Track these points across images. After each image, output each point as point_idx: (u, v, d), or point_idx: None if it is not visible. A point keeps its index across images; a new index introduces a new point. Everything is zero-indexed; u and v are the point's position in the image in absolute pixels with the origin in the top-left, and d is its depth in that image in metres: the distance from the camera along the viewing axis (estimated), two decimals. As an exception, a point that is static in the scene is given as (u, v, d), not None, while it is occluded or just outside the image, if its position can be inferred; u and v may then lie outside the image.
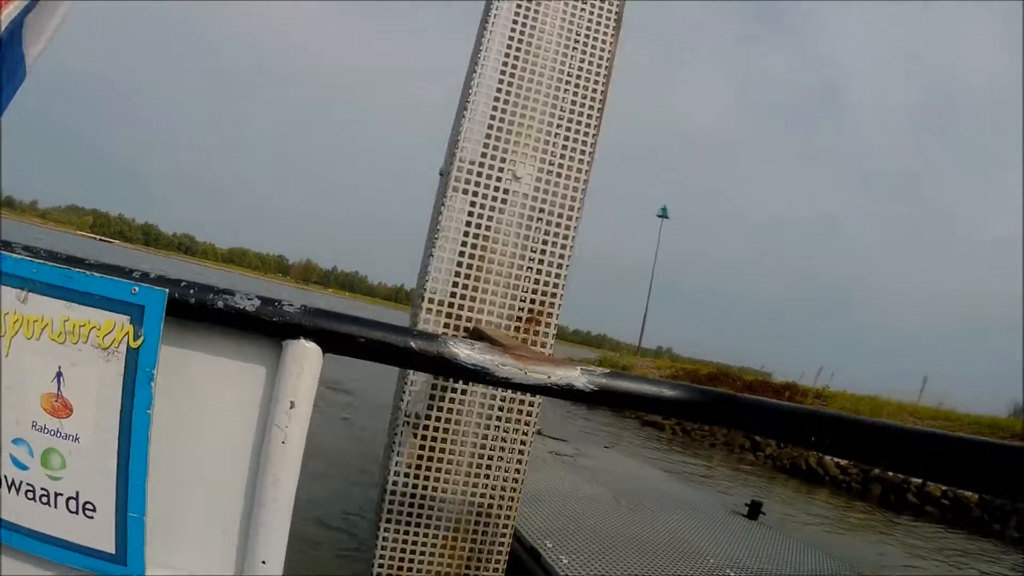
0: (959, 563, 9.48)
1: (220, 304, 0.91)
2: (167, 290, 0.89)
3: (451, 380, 1.67)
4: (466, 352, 0.96)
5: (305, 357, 0.93)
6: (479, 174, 1.75)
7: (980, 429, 15.75)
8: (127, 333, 0.89)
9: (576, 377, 0.98)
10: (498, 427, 1.76)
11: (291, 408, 0.93)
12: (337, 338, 0.95)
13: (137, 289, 0.90)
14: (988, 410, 18.37)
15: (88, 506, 0.92)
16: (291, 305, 0.95)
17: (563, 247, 1.78)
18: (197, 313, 0.91)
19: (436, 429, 1.74)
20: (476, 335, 1.56)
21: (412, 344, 0.96)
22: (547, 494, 4.28)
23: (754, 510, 5.26)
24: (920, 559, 9.16)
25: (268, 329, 0.93)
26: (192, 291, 0.91)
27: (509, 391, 1.70)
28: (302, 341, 0.93)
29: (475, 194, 1.74)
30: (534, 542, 3.24)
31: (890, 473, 12.64)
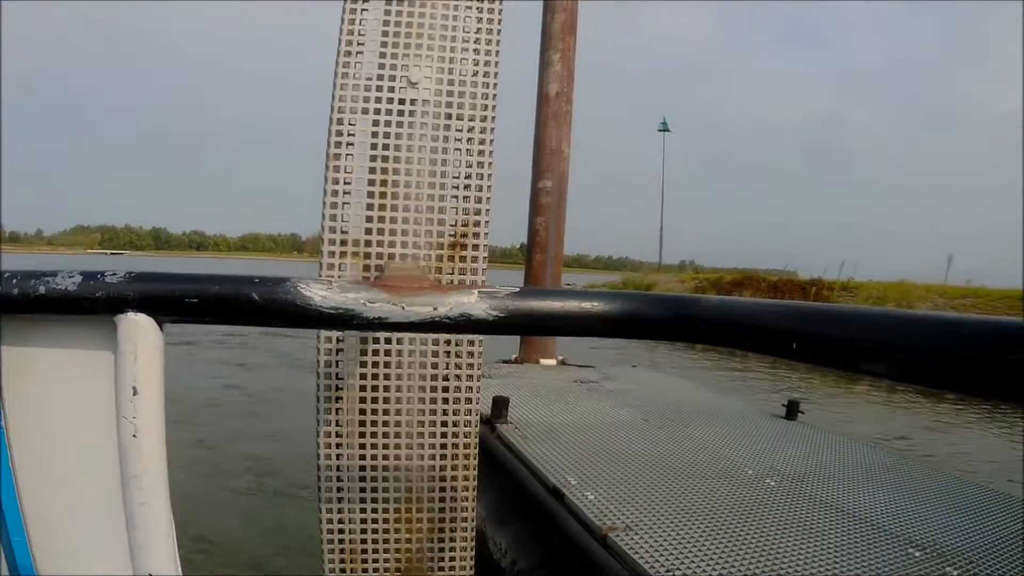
0: None
1: (42, 289, 0.77)
2: None
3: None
4: (322, 294, 0.76)
5: (138, 333, 0.77)
6: (367, 88, 1.50)
7: (1012, 304, 15.30)
8: (-36, 340, 0.81)
9: (472, 304, 0.77)
10: (435, 375, 1.54)
11: (135, 395, 0.77)
12: (166, 303, 0.77)
13: None
14: (1017, 284, 17.96)
15: None
16: (115, 274, 0.77)
17: (481, 153, 1.53)
18: (23, 304, 0.78)
19: (364, 388, 1.53)
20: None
21: (254, 295, 0.77)
22: (570, 427, 4.07)
23: (792, 410, 5.04)
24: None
25: (95, 307, 0.77)
26: (15, 280, 0.77)
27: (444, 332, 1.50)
28: (130, 314, 0.77)
29: (364, 110, 1.49)
30: (556, 481, 3.04)
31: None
